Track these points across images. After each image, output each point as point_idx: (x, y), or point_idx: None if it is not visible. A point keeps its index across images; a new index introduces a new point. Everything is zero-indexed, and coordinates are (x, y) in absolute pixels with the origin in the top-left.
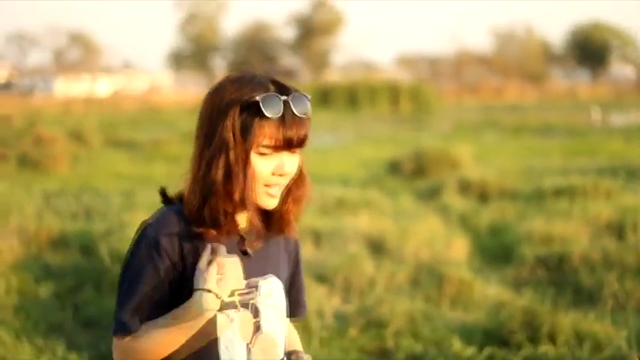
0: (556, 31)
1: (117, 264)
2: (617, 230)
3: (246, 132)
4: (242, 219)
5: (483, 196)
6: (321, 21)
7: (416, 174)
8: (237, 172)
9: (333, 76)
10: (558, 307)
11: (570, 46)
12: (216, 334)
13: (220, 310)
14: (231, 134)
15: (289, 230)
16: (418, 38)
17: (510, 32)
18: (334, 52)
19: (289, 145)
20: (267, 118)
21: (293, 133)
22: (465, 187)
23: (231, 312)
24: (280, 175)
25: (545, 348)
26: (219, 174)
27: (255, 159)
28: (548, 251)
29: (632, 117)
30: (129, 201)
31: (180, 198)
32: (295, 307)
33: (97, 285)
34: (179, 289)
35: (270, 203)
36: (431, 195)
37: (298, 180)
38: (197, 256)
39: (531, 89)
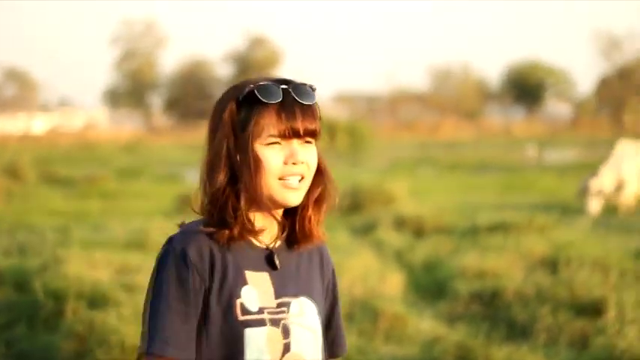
0: (492, 68)
1: (51, 299)
2: (551, 265)
3: (245, 123)
4: (258, 219)
5: (418, 231)
6: (258, 58)
7: (351, 209)
8: (240, 166)
9: None
10: (492, 342)
11: (506, 83)
12: (244, 351)
13: (249, 326)
14: (229, 129)
15: (314, 239)
16: (355, 76)
17: (447, 70)
18: None
19: (296, 133)
20: (265, 105)
21: (298, 120)
22: (400, 223)
23: (259, 329)
24: (294, 164)
25: None
26: (222, 173)
27: (262, 151)
28: (482, 286)
29: (566, 154)
30: (64, 237)
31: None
32: (338, 344)
33: (31, 321)
34: (207, 302)
35: (292, 197)
36: (366, 230)
37: (317, 178)
38: (225, 268)
39: (467, 126)
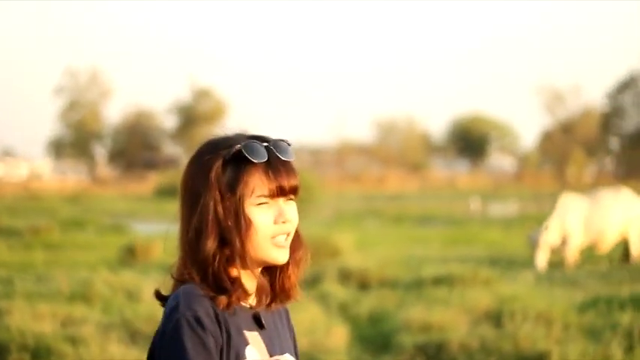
0: (437, 121)
1: None
2: (495, 318)
3: (234, 184)
4: (249, 282)
5: (363, 284)
6: (203, 110)
7: None
8: (230, 229)
9: None
10: None
11: (451, 136)
12: None
13: None
14: (216, 191)
15: (292, 297)
16: (300, 128)
17: (392, 123)
18: None
19: (283, 191)
20: (254, 164)
21: (284, 178)
22: (345, 276)
23: None
24: (284, 223)
25: None
26: (211, 239)
27: (253, 212)
28: (427, 339)
29: (509, 207)
30: (7, 289)
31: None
32: None
33: None
34: None
35: (282, 255)
36: (311, 283)
37: (295, 241)
38: (228, 329)
39: (412, 179)
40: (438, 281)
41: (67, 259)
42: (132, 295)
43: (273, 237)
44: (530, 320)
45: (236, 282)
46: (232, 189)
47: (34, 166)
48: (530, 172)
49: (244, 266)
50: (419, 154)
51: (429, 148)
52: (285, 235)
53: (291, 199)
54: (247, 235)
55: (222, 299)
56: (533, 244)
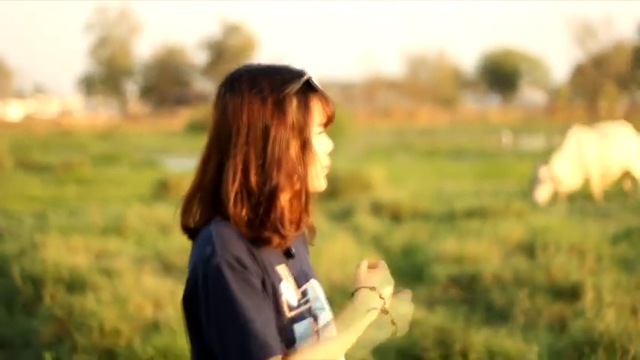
0: (468, 56)
1: (28, 284)
2: (528, 250)
3: (305, 115)
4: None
5: (395, 217)
6: (234, 45)
7: (328, 196)
8: (302, 162)
9: None
10: (470, 325)
11: (481, 71)
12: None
13: (295, 321)
14: (290, 124)
15: (310, 222)
16: (331, 63)
17: (422, 57)
18: None
19: (330, 120)
20: (315, 94)
21: (332, 106)
22: (377, 209)
23: (303, 322)
24: (328, 155)
25: None
26: (283, 174)
27: (316, 142)
28: (460, 271)
29: (541, 140)
30: (41, 223)
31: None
32: None
33: (9, 305)
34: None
35: (325, 184)
36: (343, 216)
37: None
38: (264, 267)
39: (443, 113)
40: (471, 214)
41: (100, 193)
42: (164, 229)
43: (326, 166)
44: (563, 252)
45: (286, 223)
46: (303, 120)
47: (65, 102)
48: (562, 105)
49: (306, 200)
50: (449, 88)
51: (460, 82)
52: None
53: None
54: (313, 166)
55: (266, 238)
56: (533, 178)
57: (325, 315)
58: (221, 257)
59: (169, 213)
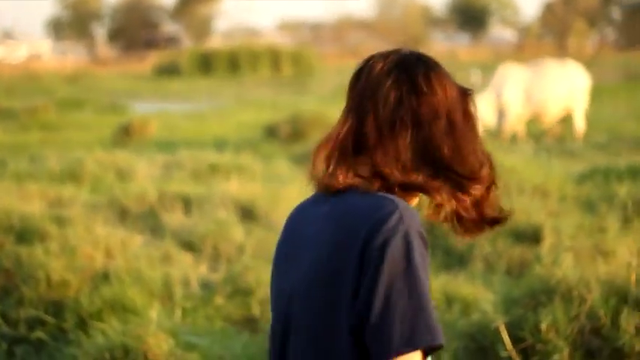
0: None
1: None
2: None
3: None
4: None
5: None
6: None
7: (292, 138)
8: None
9: (215, 42)
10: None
11: (451, 9)
12: None
13: None
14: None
15: None
16: (300, 4)
17: None
18: (216, 19)
19: None
20: None
21: None
22: None
23: None
24: None
25: None
26: (479, 158)
27: None
28: (419, 214)
29: None
30: None
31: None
32: None
33: None
34: None
35: None
36: (305, 159)
37: None
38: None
39: None
40: None
41: (63, 139)
42: (123, 175)
43: None
44: (526, 193)
45: None
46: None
47: (34, 46)
48: (532, 43)
49: None
50: (419, 27)
51: (430, 21)
52: None
53: None
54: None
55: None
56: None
57: None
58: (409, 226)
59: (129, 158)
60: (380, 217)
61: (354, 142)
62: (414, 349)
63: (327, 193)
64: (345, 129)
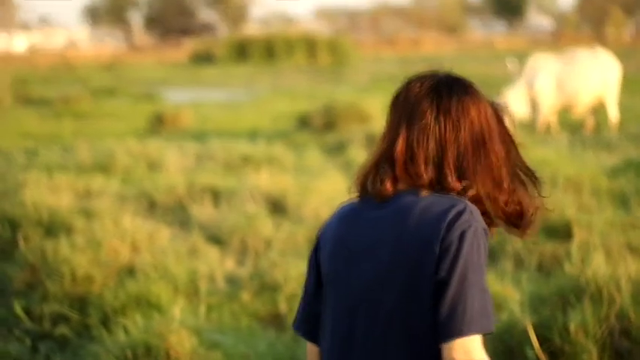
0: None
1: (7, 227)
2: None
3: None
4: None
5: None
6: None
7: (325, 128)
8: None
9: (251, 30)
10: None
11: None
12: None
13: None
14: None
15: None
16: None
17: None
18: (253, 6)
19: None
20: None
21: None
22: (371, 141)
23: None
24: None
25: None
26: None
27: None
28: None
29: None
30: (30, 161)
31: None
32: None
33: None
34: None
35: None
36: (338, 149)
37: None
38: None
39: (448, 41)
40: None
41: (96, 128)
42: (154, 165)
43: None
44: (559, 187)
45: None
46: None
47: (71, 34)
48: (569, 32)
49: None
50: (455, 15)
51: (466, 9)
52: None
53: None
54: None
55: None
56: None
57: None
58: (479, 224)
59: (161, 148)
60: (456, 212)
61: (405, 154)
62: (482, 332)
63: (379, 199)
64: (393, 144)
